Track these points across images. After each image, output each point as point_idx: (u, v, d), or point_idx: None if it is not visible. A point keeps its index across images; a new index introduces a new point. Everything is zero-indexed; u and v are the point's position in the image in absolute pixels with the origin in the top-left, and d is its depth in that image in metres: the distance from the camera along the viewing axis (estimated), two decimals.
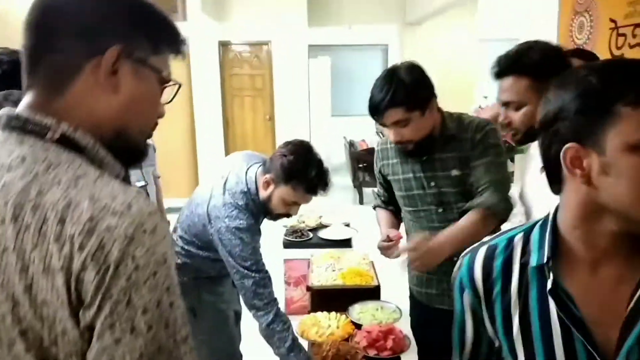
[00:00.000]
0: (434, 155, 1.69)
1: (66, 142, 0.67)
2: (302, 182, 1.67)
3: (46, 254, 0.61)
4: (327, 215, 3.24)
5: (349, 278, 2.32)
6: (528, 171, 1.50)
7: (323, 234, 2.98)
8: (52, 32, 0.68)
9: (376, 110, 1.61)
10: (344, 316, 2.01)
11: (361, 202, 6.61)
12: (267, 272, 1.67)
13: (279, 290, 3.10)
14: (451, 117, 1.72)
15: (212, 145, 7.06)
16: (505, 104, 1.33)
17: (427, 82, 1.63)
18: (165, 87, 0.78)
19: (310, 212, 3.33)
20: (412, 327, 2.03)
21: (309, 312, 2.16)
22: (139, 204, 0.65)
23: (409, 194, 1.79)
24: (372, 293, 2.22)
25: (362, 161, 6.57)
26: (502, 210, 1.58)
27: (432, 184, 1.72)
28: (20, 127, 0.67)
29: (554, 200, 0.82)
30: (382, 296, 2.24)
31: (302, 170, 1.66)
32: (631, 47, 2.06)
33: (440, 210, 1.75)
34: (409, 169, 1.76)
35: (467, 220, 1.59)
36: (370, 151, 6.83)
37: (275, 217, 1.78)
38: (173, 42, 0.76)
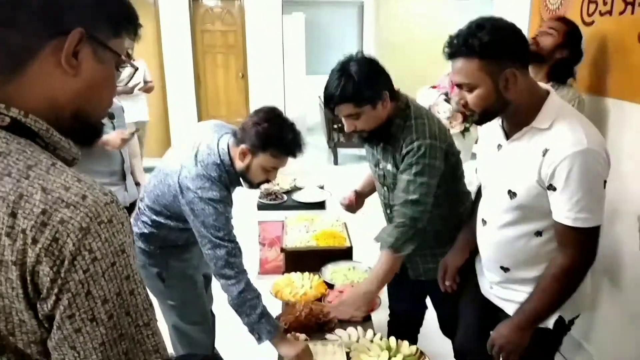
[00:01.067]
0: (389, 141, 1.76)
1: (17, 128, 0.64)
2: (279, 147, 1.68)
3: None
4: (301, 177, 3.27)
5: (322, 240, 2.37)
6: (479, 149, 1.56)
7: (297, 196, 3.01)
8: (9, 7, 0.63)
9: (328, 103, 1.67)
10: (317, 276, 2.07)
11: (336, 162, 6.64)
12: (237, 242, 1.69)
13: (254, 251, 3.17)
14: (405, 113, 1.70)
15: (184, 103, 6.92)
16: (459, 86, 1.33)
17: (378, 78, 1.64)
18: (122, 69, 0.76)
19: (285, 175, 3.35)
20: (388, 292, 2.15)
21: (283, 273, 2.21)
22: (94, 194, 0.64)
23: (370, 166, 1.94)
24: (344, 254, 2.28)
25: (337, 121, 6.54)
26: (401, 245, 1.67)
27: (381, 165, 1.83)
28: None
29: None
30: (355, 257, 2.30)
31: (278, 135, 1.66)
32: (602, 14, 2.08)
33: (384, 189, 1.87)
34: (372, 150, 1.88)
35: (380, 263, 1.75)
36: None
37: (255, 185, 1.79)
38: (132, 25, 0.74)
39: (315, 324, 1.73)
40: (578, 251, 1.28)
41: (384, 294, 1.93)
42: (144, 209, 1.83)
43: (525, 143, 1.31)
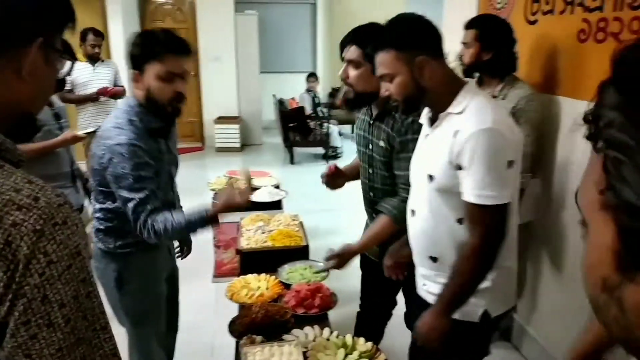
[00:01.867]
0: (376, 122, 1.80)
1: None
2: (160, 48, 1.59)
3: None
4: (257, 178, 3.23)
5: (279, 239, 2.35)
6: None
7: (253, 197, 2.96)
8: None
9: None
10: (273, 277, 2.05)
11: (292, 162, 6.61)
12: (153, 190, 1.63)
13: (209, 254, 3.12)
14: None
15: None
16: (381, 77, 1.41)
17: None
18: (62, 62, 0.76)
19: (240, 174, 3.30)
20: (362, 283, 2.23)
21: (238, 275, 2.17)
22: (47, 196, 0.62)
23: (357, 148, 1.98)
24: (301, 253, 2.27)
25: (292, 120, 6.52)
26: (402, 219, 1.64)
27: (370, 146, 1.85)
28: None
29: None
30: (311, 256, 2.29)
31: (151, 39, 1.62)
32: (544, 13, 2.15)
33: (370, 170, 1.88)
34: (364, 127, 1.90)
35: (376, 226, 1.81)
36: (300, 110, 6.78)
37: (171, 111, 1.67)
38: (73, 21, 0.75)
39: (272, 325, 1.70)
40: (485, 229, 1.30)
41: (342, 293, 1.93)
42: (95, 205, 1.75)
43: (442, 128, 1.37)
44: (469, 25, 2.19)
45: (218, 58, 7.26)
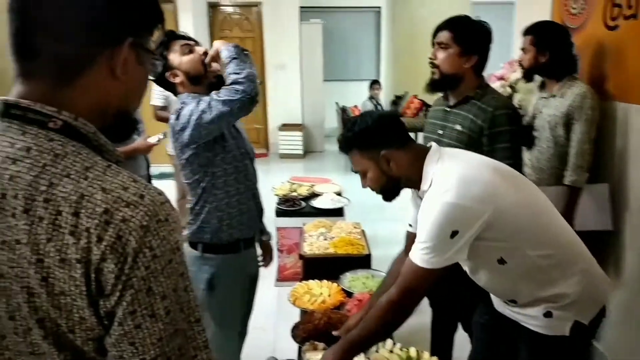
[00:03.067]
0: (454, 109, 1.93)
1: (68, 131, 0.67)
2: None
3: (62, 247, 0.62)
4: (319, 184, 3.26)
5: (341, 247, 2.36)
6: None
7: (315, 203, 3.01)
8: (55, 21, 0.66)
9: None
10: (335, 284, 2.06)
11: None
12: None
13: (273, 258, 3.18)
14: (482, 87, 1.91)
15: None
16: (357, 172, 1.54)
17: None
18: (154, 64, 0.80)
19: (302, 181, 3.35)
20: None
21: (301, 280, 2.20)
22: (151, 194, 0.66)
23: (425, 136, 2.08)
24: (363, 262, 2.26)
25: None
26: None
27: (441, 131, 1.96)
28: (21, 116, 0.66)
29: None
30: (373, 265, 2.28)
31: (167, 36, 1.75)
32: (626, 18, 2.04)
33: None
34: (437, 115, 2.02)
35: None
36: None
37: (215, 81, 1.80)
38: (162, 22, 0.78)
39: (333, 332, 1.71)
40: (406, 286, 1.36)
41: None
42: (191, 201, 1.87)
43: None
44: (526, 32, 2.28)
45: (283, 66, 7.42)
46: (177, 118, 1.71)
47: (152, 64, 0.78)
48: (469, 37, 1.85)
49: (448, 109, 1.96)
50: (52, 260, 0.62)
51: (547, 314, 1.38)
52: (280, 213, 3.00)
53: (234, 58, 1.71)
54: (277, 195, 3.12)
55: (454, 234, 1.29)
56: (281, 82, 7.49)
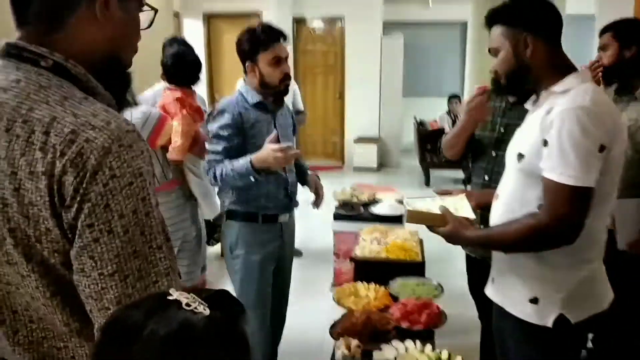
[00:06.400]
0: (517, 105, 1.84)
1: (59, 70, 0.74)
2: (263, 40, 1.99)
3: (32, 161, 0.69)
4: (381, 192, 3.21)
5: (393, 252, 2.29)
6: None
7: (374, 209, 2.96)
8: None
9: None
10: (382, 288, 2.00)
11: (427, 183, 6.45)
12: (225, 148, 2.00)
13: (329, 262, 3.18)
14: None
15: None
16: (489, 51, 1.49)
17: None
18: (142, 12, 0.85)
19: (369, 187, 3.31)
20: (469, 287, 2.20)
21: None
22: (118, 122, 0.72)
23: (478, 135, 2.03)
24: (416, 269, 2.18)
25: (430, 141, 6.38)
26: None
27: (500, 129, 1.93)
28: (18, 55, 0.74)
29: None
30: (427, 274, 2.19)
31: (252, 34, 2.01)
32: None
33: (493, 153, 1.93)
34: (498, 113, 1.99)
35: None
36: (440, 132, 6.60)
37: (281, 89, 2.08)
38: None
39: (372, 332, 1.66)
40: (558, 209, 1.21)
41: (452, 307, 1.81)
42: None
43: (541, 107, 1.32)
44: (605, 29, 2.11)
45: (363, 80, 7.46)
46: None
47: (139, 9, 0.82)
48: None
49: (510, 108, 1.93)
50: (24, 172, 0.69)
51: (533, 300, 1.33)
52: (337, 217, 2.98)
53: (242, 175, 1.93)
54: (337, 200, 3.11)
55: (601, 147, 1.22)
56: (360, 95, 7.52)
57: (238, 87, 2.17)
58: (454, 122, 7.09)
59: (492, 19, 1.43)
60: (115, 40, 0.80)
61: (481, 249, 1.41)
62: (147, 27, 0.85)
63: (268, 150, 1.90)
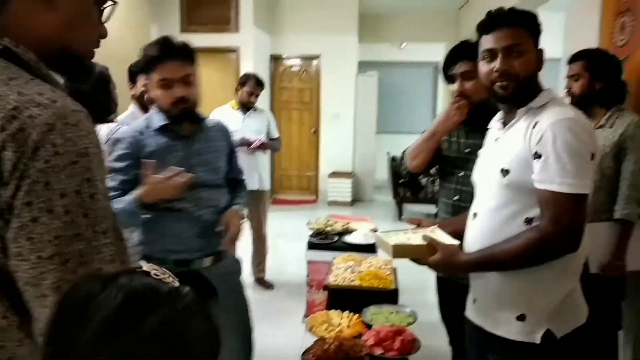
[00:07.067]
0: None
1: (8, 56, 0.72)
2: (152, 58, 1.76)
3: None
4: (355, 222, 3.21)
5: (367, 280, 2.27)
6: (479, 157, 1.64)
7: (348, 238, 2.94)
8: None
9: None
10: (356, 316, 1.97)
11: (400, 218, 6.48)
12: (121, 180, 1.79)
13: (302, 294, 3.13)
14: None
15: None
16: (506, 49, 1.38)
17: None
18: (104, 8, 0.82)
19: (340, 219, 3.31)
20: (441, 309, 2.17)
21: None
22: (65, 101, 0.69)
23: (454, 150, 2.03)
24: (389, 297, 2.16)
25: (402, 177, 6.45)
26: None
27: (467, 150, 1.95)
28: None
29: None
30: (401, 302, 2.17)
31: (147, 50, 1.79)
32: None
33: (460, 174, 1.96)
34: (455, 132, 1.99)
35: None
36: None
37: (179, 113, 1.81)
38: None
39: (344, 359, 1.62)
40: (559, 215, 1.22)
41: (425, 336, 1.78)
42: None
43: (521, 122, 1.34)
44: (575, 58, 2.18)
45: (337, 116, 7.57)
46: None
47: (99, 3, 0.80)
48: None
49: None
50: None
51: (520, 317, 1.32)
52: (311, 246, 2.95)
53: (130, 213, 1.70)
54: (311, 228, 3.08)
55: (592, 155, 1.25)
56: (335, 131, 7.61)
57: (130, 108, 2.11)
58: None
59: (515, 19, 1.34)
60: (65, 30, 0.77)
61: (477, 272, 1.38)
62: (105, 22, 0.83)
63: (148, 181, 1.71)
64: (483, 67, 1.38)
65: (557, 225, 1.21)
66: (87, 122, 0.70)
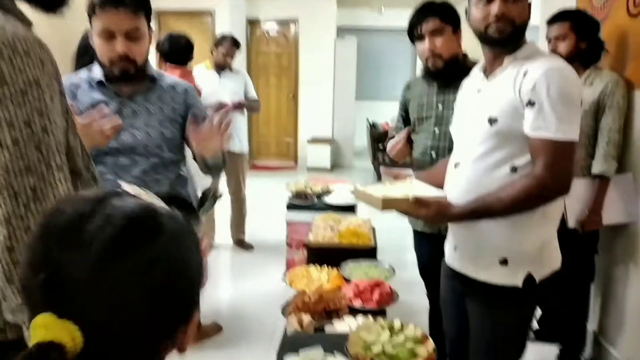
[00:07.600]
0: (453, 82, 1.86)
1: None
2: (96, 2, 1.48)
3: None
4: (334, 184, 3.24)
5: (346, 237, 2.31)
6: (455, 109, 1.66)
7: (328, 199, 2.97)
8: None
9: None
10: (335, 270, 2.01)
11: (379, 179, 6.55)
12: None
13: (281, 254, 3.17)
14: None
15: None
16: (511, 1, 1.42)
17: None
18: None
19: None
20: (419, 263, 2.25)
21: None
22: (17, 30, 0.65)
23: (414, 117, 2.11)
24: (368, 253, 2.21)
25: (382, 141, 6.50)
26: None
27: (440, 106, 1.98)
28: None
29: None
30: (379, 258, 2.22)
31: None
32: None
33: (437, 131, 1.99)
34: (424, 92, 2.06)
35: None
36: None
37: (119, 74, 1.55)
38: None
39: (324, 310, 1.66)
40: (553, 161, 1.25)
41: (403, 292, 1.84)
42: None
43: (509, 71, 1.35)
44: (559, 18, 2.18)
45: (316, 82, 7.51)
46: None
47: None
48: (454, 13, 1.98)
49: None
50: None
51: (503, 261, 1.37)
52: (290, 206, 2.97)
53: None
54: (291, 190, 3.10)
55: (581, 103, 1.30)
56: (314, 97, 7.56)
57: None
58: None
59: None
60: None
61: (470, 221, 1.39)
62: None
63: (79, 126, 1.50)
64: (477, 10, 1.36)
65: (553, 171, 1.25)
66: (42, 52, 0.67)
